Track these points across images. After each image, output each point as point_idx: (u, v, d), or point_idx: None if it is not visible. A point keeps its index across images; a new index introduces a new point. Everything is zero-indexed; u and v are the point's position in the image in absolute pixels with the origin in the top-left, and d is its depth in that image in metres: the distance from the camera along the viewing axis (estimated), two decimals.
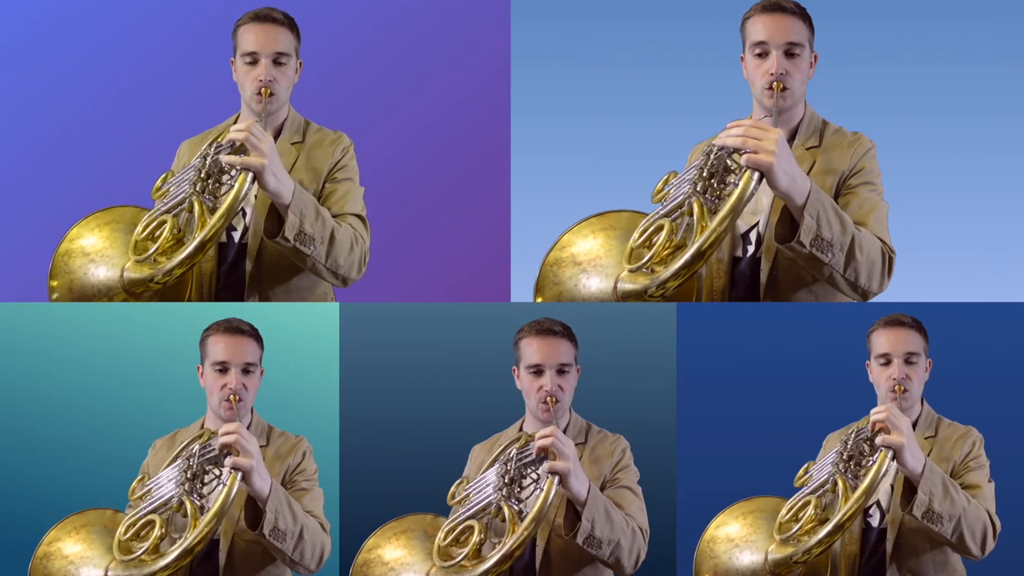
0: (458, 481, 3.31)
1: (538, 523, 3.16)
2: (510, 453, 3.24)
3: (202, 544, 3.23)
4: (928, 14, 4.58)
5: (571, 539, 3.18)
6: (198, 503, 3.25)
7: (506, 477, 3.22)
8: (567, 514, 3.20)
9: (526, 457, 3.23)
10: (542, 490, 3.15)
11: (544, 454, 3.19)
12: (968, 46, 4.59)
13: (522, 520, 3.17)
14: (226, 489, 3.20)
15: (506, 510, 3.19)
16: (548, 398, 3.27)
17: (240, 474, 3.20)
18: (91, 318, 3.58)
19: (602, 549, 3.19)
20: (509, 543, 3.15)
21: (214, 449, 3.26)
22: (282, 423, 3.42)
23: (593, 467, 3.28)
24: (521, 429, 3.34)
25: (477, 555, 3.21)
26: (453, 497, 3.28)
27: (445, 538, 3.24)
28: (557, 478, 3.15)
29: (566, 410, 3.32)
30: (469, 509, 3.24)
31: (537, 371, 3.29)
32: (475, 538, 3.22)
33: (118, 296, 3.41)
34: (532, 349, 3.29)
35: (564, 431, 3.27)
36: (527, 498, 3.21)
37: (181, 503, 3.25)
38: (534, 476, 3.21)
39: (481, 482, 3.25)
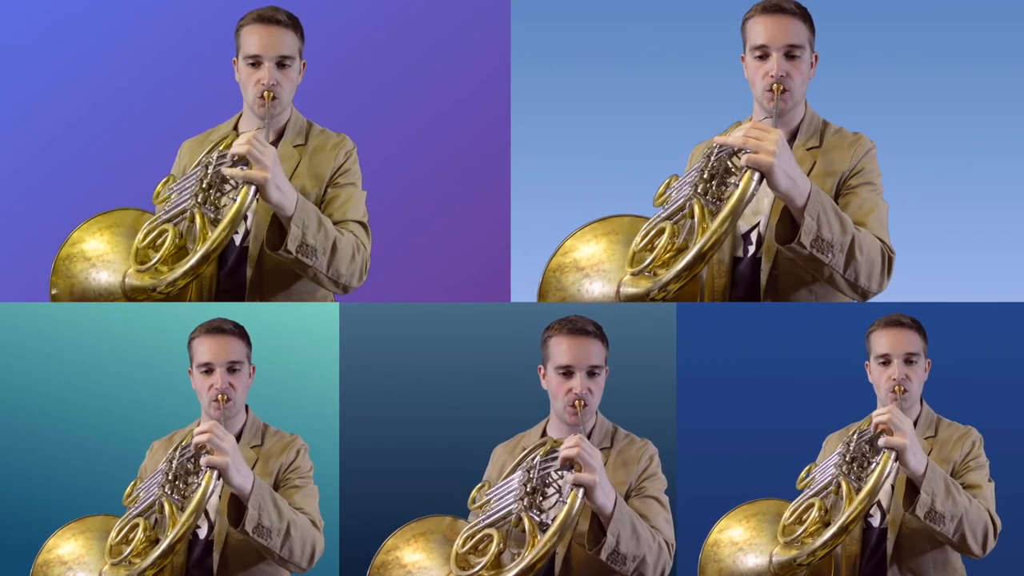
0: (479, 485, 3.24)
1: (560, 537, 3.08)
2: (534, 460, 3.15)
3: (181, 541, 3.24)
4: (928, 15, 4.58)
5: (595, 554, 3.11)
6: (178, 503, 3.25)
7: (528, 486, 3.13)
8: (591, 527, 3.12)
9: (550, 465, 3.13)
10: (565, 502, 3.06)
11: (569, 464, 3.09)
12: (968, 46, 4.58)
13: (543, 532, 3.08)
14: (201, 487, 3.21)
15: (526, 521, 3.11)
16: (576, 401, 3.19)
17: (216, 472, 3.20)
18: (91, 318, 3.58)
19: (626, 565, 3.11)
20: (529, 556, 3.08)
21: (192, 450, 3.26)
22: (282, 423, 3.42)
23: (619, 471, 3.21)
24: (545, 431, 3.28)
25: (496, 565, 3.13)
26: (474, 502, 3.21)
27: (464, 545, 3.16)
28: (582, 490, 3.06)
29: (594, 413, 3.25)
30: (489, 517, 3.16)
31: (567, 372, 3.21)
32: (494, 548, 3.13)
33: (118, 300, 3.40)
34: (562, 349, 3.21)
35: (590, 435, 3.21)
36: (549, 508, 3.13)
37: (162, 505, 3.26)
38: (557, 486, 3.13)
39: (503, 489, 3.17)
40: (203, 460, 3.21)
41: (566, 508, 3.07)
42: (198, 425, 3.37)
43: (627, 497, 3.20)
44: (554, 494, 3.13)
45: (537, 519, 3.11)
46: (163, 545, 3.24)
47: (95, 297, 3.42)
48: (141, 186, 3.52)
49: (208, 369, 3.33)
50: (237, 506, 3.24)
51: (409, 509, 3.35)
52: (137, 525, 3.30)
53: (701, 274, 3.26)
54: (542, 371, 3.28)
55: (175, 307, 3.42)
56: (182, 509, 3.24)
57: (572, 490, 3.06)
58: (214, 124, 3.55)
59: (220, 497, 3.29)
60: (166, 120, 4.37)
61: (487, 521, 3.16)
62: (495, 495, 3.18)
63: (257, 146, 3.27)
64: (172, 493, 3.26)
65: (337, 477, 3.52)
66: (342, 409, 3.57)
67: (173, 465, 3.27)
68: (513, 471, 3.18)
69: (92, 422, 3.63)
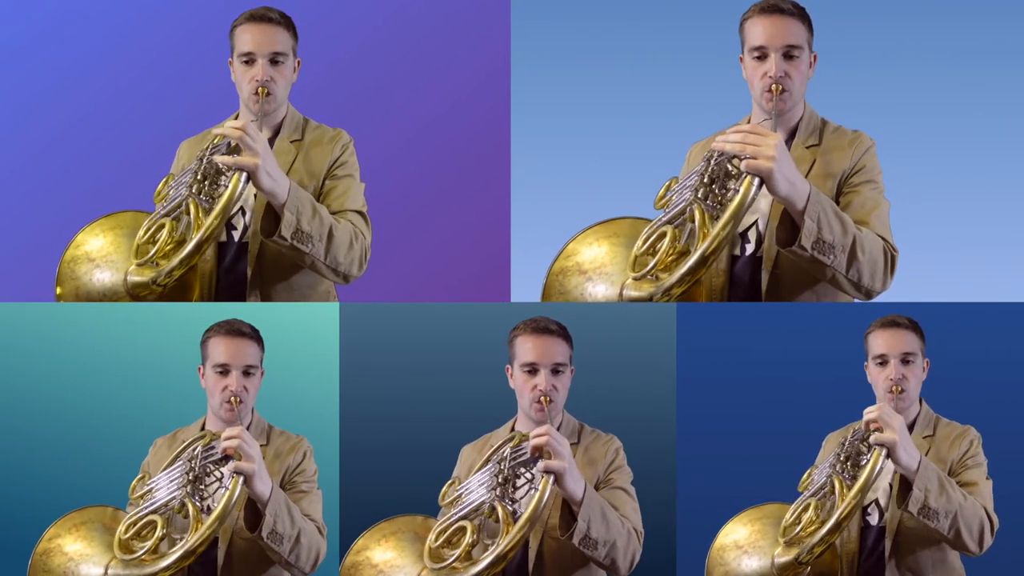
0: (449, 481, 3.28)
1: (533, 524, 3.13)
2: (504, 452, 3.20)
3: (203, 546, 3.23)
4: (928, 14, 4.58)
5: (567, 540, 3.16)
6: (200, 505, 3.26)
7: (499, 477, 3.18)
8: (562, 514, 3.18)
9: (520, 456, 3.19)
10: (537, 490, 3.12)
11: (539, 453, 3.15)
12: (968, 46, 4.59)
13: (516, 521, 3.14)
14: (228, 493, 3.20)
15: (500, 510, 3.15)
16: (542, 398, 3.23)
17: (242, 478, 3.20)
18: (93, 318, 3.58)
19: (598, 550, 3.17)
20: (503, 544, 3.13)
21: (216, 452, 3.26)
22: (282, 423, 3.42)
23: (588, 468, 3.25)
24: (513, 429, 3.32)
25: (469, 556, 3.17)
26: (444, 498, 3.25)
27: (436, 539, 3.21)
28: (552, 477, 3.12)
29: (559, 410, 3.29)
30: (461, 509, 3.20)
31: (531, 370, 3.25)
32: (467, 539, 3.17)
33: (122, 301, 3.41)
34: (527, 347, 3.26)
35: (557, 430, 3.24)
36: (521, 498, 3.18)
37: (183, 505, 3.26)
38: (528, 476, 3.18)
39: (474, 482, 3.22)
40: (231, 465, 3.21)
41: (537, 495, 3.12)
42: (203, 423, 3.38)
43: (595, 490, 3.24)
44: (524, 484, 3.18)
45: (510, 508, 3.16)
46: (184, 547, 3.22)
47: (99, 298, 3.42)
48: (142, 186, 3.53)
49: (224, 370, 3.33)
50: (254, 511, 3.24)
51: (408, 509, 3.35)
52: (154, 523, 3.29)
53: None
54: (509, 371, 3.32)
55: (176, 307, 3.43)
56: (203, 511, 3.24)
57: (543, 478, 3.12)
58: (213, 124, 3.55)
59: (235, 504, 3.29)
60: (166, 120, 4.37)
61: (460, 513, 3.21)
62: (466, 489, 3.23)
63: (249, 132, 3.30)
64: (194, 495, 3.26)
65: (337, 477, 3.52)
66: (342, 409, 3.58)
67: (195, 465, 3.27)
68: (483, 466, 3.23)
69: (95, 422, 3.63)
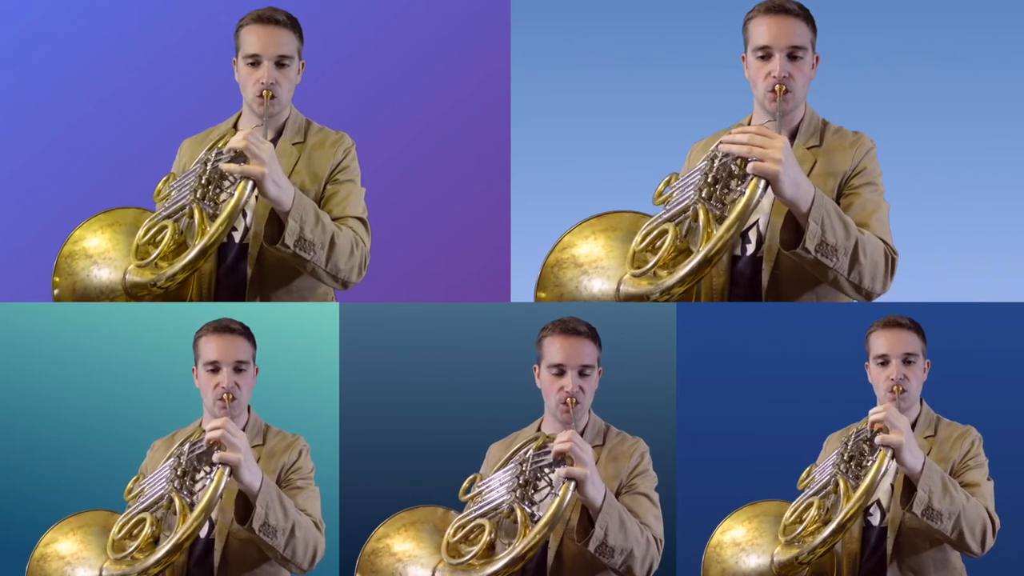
0: (471, 477, 3.28)
1: (551, 528, 3.14)
2: (526, 454, 3.21)
3: (190, 539, 3.24)
4: (928, 14, 4.58)
5: (583, 545, 3.15)
6: (188, 499, 3.26)
7: (521, 479, 3.19)
8: (581, 519, 3.18)
9: (542, 459, 3.20)
10: (557, 495, 3.12)
11: (561, 458, 3.15)
12: (968, 46, 4.59)
13: (534, 524, 3.14)
14: (213, 484, 3.21)
15: (519, 513, 3.16)
16: (568, 399, 3.23)
17: (228, 468, 3.20)
18: (92, 318, 3.58)
19: (614, 558, 3.16)
20: (520, 547, 3.13)
21: (203, 446, 3.26)
22: (282, 423, 3.42)
23: (610, 466, 3.25)
24: (539, 429, 3.31)
25: (487, 555, 3.19)
26: (466, 492, 3.26)
27: (455, 534, 3.22)
28: (573, 483, 3.12)
29: (585, 411, 3.29)
30: (481, 507, 3.22)
31: (559, 371, 3.25)
32: (485, 537, 3.19)
33: (120, 298, 3.42)
34: (555, 348, 3.26)
35: (582, 433, 3.25)
36: (541, 501, 3.18)
37: (171, 500, 3.27)
38: (549, 479, 3.19)
39: (495, 481, 3.22)
40: (215, 456, 3.21)
41: (557, 500, 3.12)
42: (200, 424, 3.38)
43: (618, 494, 3.24)
44: (545, 487, 3.19)
45: (529, 510, 3.17)
46: (172, 541, 3.23)
47: (96, 294, 3.43)
48: (142, 185, 3.53)
49: (215, 368, 3.34)
50: (245, 504, 3.24)
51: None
52: (143, 520, 3.30)
53: None
54: (536, 370, 3.31)
55: (176, 307, 3.43)
56: (192, 505, 3.24)
57: (563, 483, 3.12)
58: (214, 123, 3.56)
59: (222, 495, 3.29)
60: (166, 120, 4.37)
61: (479, 512, 3.22)
62: (487, 487, 3.23)
63: (254, 141, 3.30)
64: (182, 489, 3.26)
65: (337, 477, 3.52)
66: (342, 409, 3.57)
67: (182, 460, 3.28)
68: (505, 464, 3.23)
69: (93, 422, 3.63)
